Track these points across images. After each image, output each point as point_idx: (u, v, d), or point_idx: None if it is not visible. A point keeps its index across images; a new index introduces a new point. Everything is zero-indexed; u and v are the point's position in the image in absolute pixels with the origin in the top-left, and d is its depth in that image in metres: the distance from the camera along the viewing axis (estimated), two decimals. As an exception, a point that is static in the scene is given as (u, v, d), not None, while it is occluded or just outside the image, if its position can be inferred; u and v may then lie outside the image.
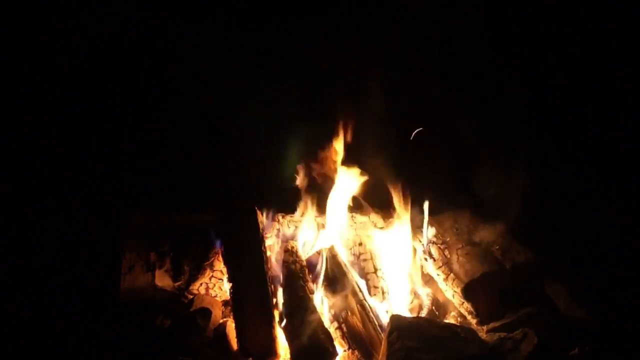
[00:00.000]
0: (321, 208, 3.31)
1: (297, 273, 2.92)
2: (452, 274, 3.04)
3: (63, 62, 3.65)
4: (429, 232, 3.24)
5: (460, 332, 2.48)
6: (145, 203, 3.42)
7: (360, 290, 2.89)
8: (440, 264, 3.11)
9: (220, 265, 3.08)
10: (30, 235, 3.18)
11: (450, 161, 3.67)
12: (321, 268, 2.98)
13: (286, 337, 2.61)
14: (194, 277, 3.09)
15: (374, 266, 3.30)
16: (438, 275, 3.11)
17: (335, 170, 3.28)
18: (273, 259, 3.03)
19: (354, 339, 2.69)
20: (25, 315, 2.83)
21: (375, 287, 3.15)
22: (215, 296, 3.10)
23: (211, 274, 3.09)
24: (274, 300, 2.77)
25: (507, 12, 3.78)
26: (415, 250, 3.27)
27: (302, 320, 2.61)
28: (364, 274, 3.18)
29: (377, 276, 3.26)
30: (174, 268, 3.10)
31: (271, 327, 2.65)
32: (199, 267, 3.10)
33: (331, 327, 2.75)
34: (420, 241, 3.26)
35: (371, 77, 3.70)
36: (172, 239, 3.18)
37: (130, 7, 3.66)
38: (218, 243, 3.09)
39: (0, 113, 3.47)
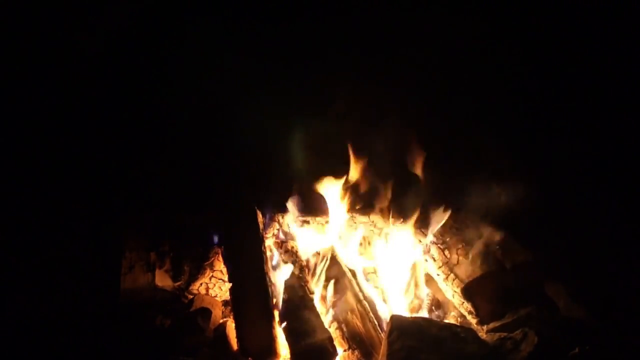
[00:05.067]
0: (321, 208, 3.31)
1: (297, 273, 2.93)
2: (452, 274, 3.04)
3: (66, 63, 3.65)
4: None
5: (460, 332, 2.48)
6: (146, 203, 3.42)
7: (361, 290, 2.90)
8: (440, 264, 3.11)
9: (220, 265, 3.08)
10: (30, 236, 3.18)
11: (450, 161, 3.66)
12: (321, 268, 2.99)
13: (286, 337, 2.62)
14: (194, 277, 3.09)
15: (374, 266, 3.30)
16: (438, 275, 3.11)
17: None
18: (273, 259, 3.03)
19: (354, 339, 2.69)
20: (26, 315, 2.83)
21: (376, 287, 3.15)
22: (215, 296, 3.10)
23: (211, 274, 3.09)
24: (274, 300, 2.77)
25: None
26: (415, 250, 3.27)
27: (302, 320, 2.61)
28: (364, 274, 3.18)
29: (377, 276, 3.26)
30: (174, 268, 3.11)
31: (271, 327, 2.65)
32: (199, 267, 3.10)
33: (331, 327, 2.75)
34: (421, 241, 3.25)
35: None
36: (172, 239, 3.18)
37: (127, 8, 3.66)
38: (218, 242, 3.10)
39: (3, 113, 3.47)
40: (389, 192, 3.28)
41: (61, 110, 3.67)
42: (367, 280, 3.16)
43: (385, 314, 2.90)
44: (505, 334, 2.62)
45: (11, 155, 3.46)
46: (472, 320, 2.92)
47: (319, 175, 3.29)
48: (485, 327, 2.84)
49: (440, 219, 3.13)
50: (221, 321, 2.96)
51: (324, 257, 3.03)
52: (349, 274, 2.95)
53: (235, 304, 2.75)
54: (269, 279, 2.82)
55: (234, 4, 3.95)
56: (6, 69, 3.51)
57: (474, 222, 3.25)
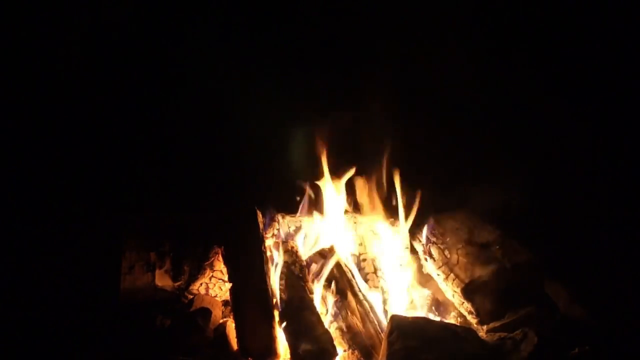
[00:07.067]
0: (321, 208, 3.31)
1: (297, 273, 2.92)
2: (452, 274, 3.04)
3: (63, 64, 3.65)
4: (429, 231, 3.25)
5: (460, 332, 2.48)
6: (145, 203, 3.42)
7: (360, 290, 2.90)
8: (440, 264, 3.11)
9: (220, 265, 3.08)
10: (30, 236, 3.18)
11: (450, 161, 3.67)
12: (321, 268, 2.98)
13: (286, 337, 2.62)
14: (194, 277, 3.09)
15: (373, 266, 3.30)
16: (438, 275, 3.11)
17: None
18: (273, 259, 3.03)
19: (354, 339, 2.69)
20: (26, 315, 2.83)
21: (376, 287, 3.15)
22: (215, 296, 3.10)
23: (211, 274, 3.09)
24: (274, 300, 2.77)
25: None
26: (415, 250, 3.27)
27: (302, 321, 2.61)
28: (363, 274, 3.18)
29: (377, 276, 3.25)
30: (174, 268, 3.10)
31: (271, 327, 2.65)
32: (199, 267, 3.10)
33: (331, 327, 2.75)
34: (420, 241, 3.26)
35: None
36: (172, 239, 3.17)
37: (129, 8, 3.66)
38: (218, 243, 3.09)
39: (2, 114, 3.47)
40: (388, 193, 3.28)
41: (61, 110, 3.67)
42: (367, 280, 3.16)
43: (385, 314, 2.90)
44: (505, 334, 2.62)
45: (11, 156, 3.46)
46: (472, 320, 2.92)
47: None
48: (485, 327, 2.84)
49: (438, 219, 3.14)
50: (221, 321, 2.96)
51: (324, 257, 3.02)
52: (349, 274, 2.95)
53: (235, 304, 2.75)
54: (269, 279, 2.82)
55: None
56: (5, 70, 3.52)
57: (474, 221, 3.25)
